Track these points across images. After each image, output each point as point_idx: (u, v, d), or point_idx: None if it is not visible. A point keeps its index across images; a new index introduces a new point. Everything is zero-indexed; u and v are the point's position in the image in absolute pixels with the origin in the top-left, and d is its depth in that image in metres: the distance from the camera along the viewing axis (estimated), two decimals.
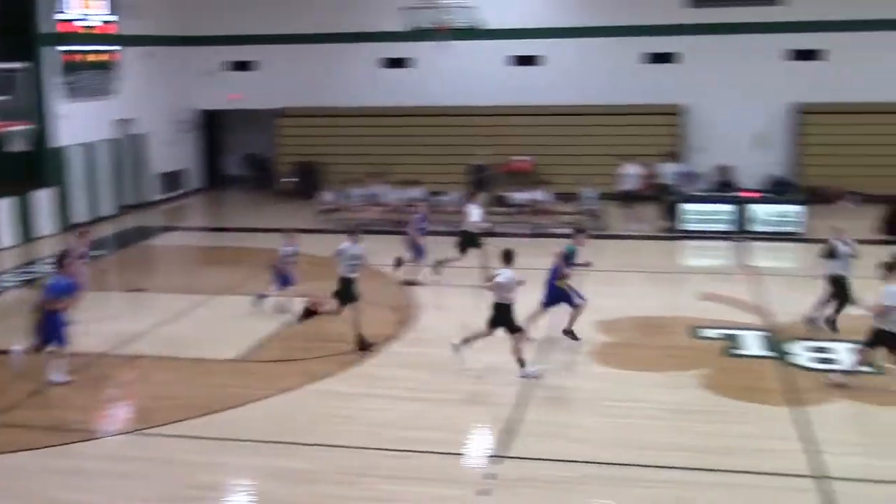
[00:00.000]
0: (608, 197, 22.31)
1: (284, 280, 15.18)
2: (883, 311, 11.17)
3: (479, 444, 10.34)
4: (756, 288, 16.41)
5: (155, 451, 10.03)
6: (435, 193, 23.00)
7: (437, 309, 15.61)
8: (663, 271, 18.56)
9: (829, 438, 9.97)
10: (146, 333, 14.25)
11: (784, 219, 20.91)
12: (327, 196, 23.49)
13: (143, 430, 10.57)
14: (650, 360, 12.67)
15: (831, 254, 13.83)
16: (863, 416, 10.70)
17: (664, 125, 25.71)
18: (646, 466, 9.46)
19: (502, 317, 12.02)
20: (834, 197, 24.41)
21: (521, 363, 12.01)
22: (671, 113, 25.91)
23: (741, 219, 21.07)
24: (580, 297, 13.41)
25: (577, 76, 26.18)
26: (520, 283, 12.06)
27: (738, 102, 25.54)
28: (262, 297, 15.31)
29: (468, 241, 17.32)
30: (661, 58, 26.06)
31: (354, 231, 13.98)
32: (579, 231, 14.15)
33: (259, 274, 16.42)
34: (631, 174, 22.08)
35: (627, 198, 22.18)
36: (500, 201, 22.62)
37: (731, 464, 9.43)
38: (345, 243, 13.48)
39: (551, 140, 25.79)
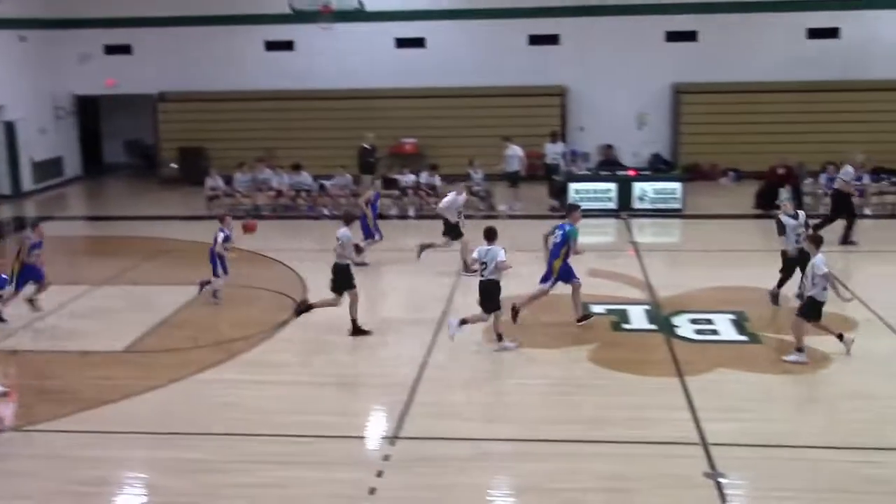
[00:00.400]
0: (494, 178, 22.55)
1: (223, 267, 14.70)
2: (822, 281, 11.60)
3: (373, 426, 10.36)
4: (640, 263, 16.87)
5: (41, 448, 9.72)
6: (322, 177, 22.87)
7: (325, 292, 15.48)
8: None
9: (711, 406, 10.36)
10: (26, 327, 13.75)
11: (665, 196, 21.52)
12: (213, 182, 23.06)
13: (28, 427, 10.22)
14: (540, 338, 12.89)
15: (782, 229, 13.99)
16: (742, 384, 11.13)
17: (548, 106, 26.11)
18: (539, 441, 9.66)
19: (491, 295, 12.32)
20: (711, 174, 25.30)
21: (500, 338, 12.30)
22: (555, 94, 26.33)
23: (624, 197, 21.59)
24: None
25: (461, 58, 26.33)
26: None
27: (619, 83, 26.15)
28: (204, 283, 14.77)
29: (451, 227, 16.65)
30: (545, 39, 26.44)
31: (349, 217, 13.73)
32: (573, 208, 14.10)
33: (139, 264, 16.00)
34: (514, 155, 22.31)
35: (512, 178, 22.42)
36: (389, 183, 22.62)
37: (621, 434, 9.71)
38: (342, 229, 13.23)
39: (438, 122, 25.92)
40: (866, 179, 21.17)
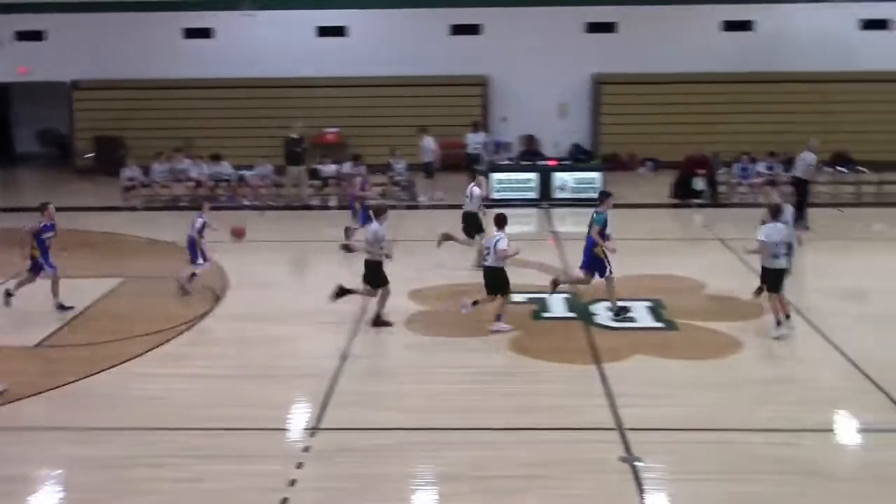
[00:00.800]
0: (416, 168, 22.57)
1: (202, 255, 14.46)
2: (762, 249, 12.31)
3: (294, 418, 10.30)
4: (560, 253, 17.07)
5: None
6: (243, 167, 22.61)
7: (245, 284, 15.32)
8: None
9: (628, 392, 10.55)
10: None
11: (585, 185, 21.79)
12: (130, 172, 22.58)
13: None
14: (462, 327, 12.96)
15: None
16: (658, 370, 11.36)
17: (470, 96, 26.21)
18: (461, 429, 9.72)
19: (497, 281, 12.58)
20: (630, 164, 25.72)
21: (498, 318, 12.65)
22: (477, 84, 26.44)
23: (545, 187, 21.80)
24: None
25: (384, 47, 26.25)
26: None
27: (541, 74, 26.36)
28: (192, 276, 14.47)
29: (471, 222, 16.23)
30: (467, 29, 26.51)
31: (380, 210, 13.40)
32: (605, 195, 13.96)
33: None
34: (427, 147, 22.32)
35: (430, 168, 22.44)
36: (312, 174, 22.49)
37: (541, 421, 9.83)
38: (373, 224, 13.07)
39: (360, 112, 25.81)
40: (778, 169, 21.74)
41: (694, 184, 21.72)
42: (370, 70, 26.12)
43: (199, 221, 14.48)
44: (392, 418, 9.98)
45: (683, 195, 21.82)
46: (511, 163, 23.15)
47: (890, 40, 25.93)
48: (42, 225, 13.78)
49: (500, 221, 12.86)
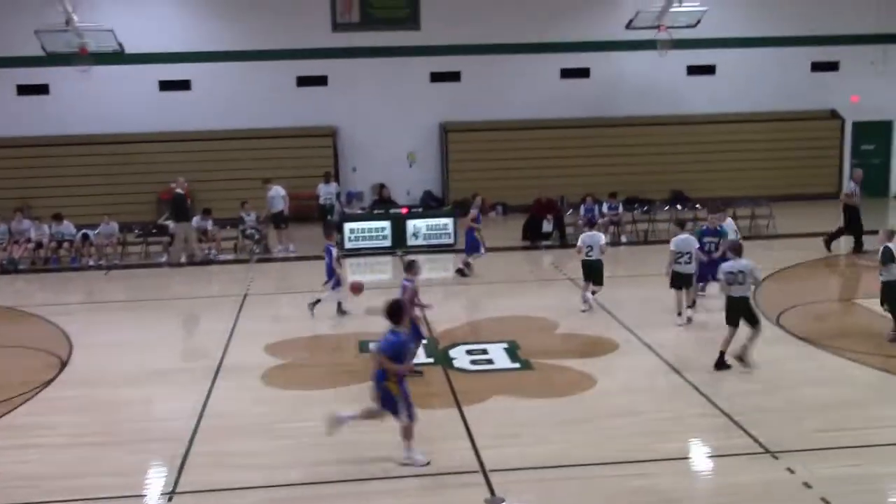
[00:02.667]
0: (266, 220, 22.36)
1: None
2: (672, 257, 14.84)
3: (150, 484, 9.92)
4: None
5: None
6: (86, 226, 21.84)
7: (92, 347, 14.76)
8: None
9: (489, 433, 10.68)
10: None
11: (438, 231, 22.09)
12: None
13: None
14: (321, 379, 12.85)
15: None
16: (517, 409, 11.55)
17: (320, 147, 26.25)
18: (320, 483, 9.59)
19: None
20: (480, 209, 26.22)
21: None
22: (326, 135, 26.51)
23: (399, 234, 21.97)
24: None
25: (230, 100, 26.06)
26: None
27: (389, 123, 26.71)
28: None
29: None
30: (313, 80, 26.59)
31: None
32: (411, 265, 13.71)
33: None
34: (277, 195, 22.14)
35: (277, 220, 22.23)
36: (160, 230, 21.94)
37: (403, 469, 9.81)
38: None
39: (209, 165, 25.42)
40: (620, 209, 22.64)
41: (543, 226, 22.36)
42: (217, 123, 25.86)
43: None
44: (250, 478, 9.75)
45: (533, 237, 22.41)
46: (364, 212, 23.25)
47: (714, 85, 27.54)
48: None
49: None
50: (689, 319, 15.06)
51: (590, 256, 15.86)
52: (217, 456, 10.35)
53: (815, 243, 19.08)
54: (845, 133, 27.86)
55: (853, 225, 20.14)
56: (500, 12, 26.52)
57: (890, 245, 13.75)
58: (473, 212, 19.21)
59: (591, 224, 17.41)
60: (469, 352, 13.82)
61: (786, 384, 12.31)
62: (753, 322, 12.60)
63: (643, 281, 17.80)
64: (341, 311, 16.20)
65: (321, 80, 26.64)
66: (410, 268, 13.25)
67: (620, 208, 22.76)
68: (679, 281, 15.14)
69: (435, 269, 20.86)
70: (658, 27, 22.02)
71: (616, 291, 17.01)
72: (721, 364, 12.66)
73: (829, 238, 20.40)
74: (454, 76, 27.01)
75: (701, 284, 15.84)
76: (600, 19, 26.55)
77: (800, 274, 17.06)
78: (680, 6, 21.72)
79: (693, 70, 27.45)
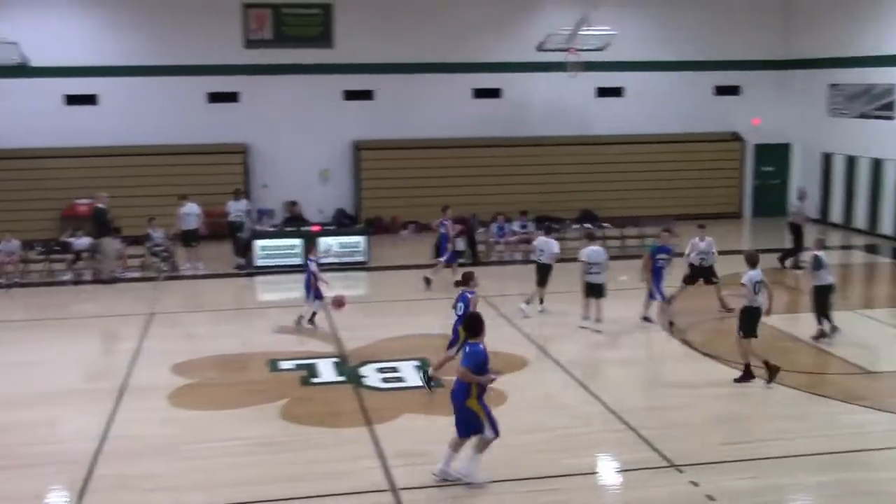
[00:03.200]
0: (176, 237, 21.96)
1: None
2: (584, 268, 15.77)
3: None
4: (328, 317, 17.08)
5: None
6: None
7: None
8: (238, 308, 18.69)
9: (400, 451, 10.68)
10: None
11: (350, 249, 22.01)
12: None
13: None
14: (230, 398, 12.68)
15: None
16: (427, 427, 11.57)
17: (231, 164, 25.92)
18: (248, 503, 9.45)
19: None
20: (393, 227, 26.27)
21: None
22: (237, 151, 26.20)
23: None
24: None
25: (139, 116, 25.54)
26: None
27: (301, 140, 26.52)
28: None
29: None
30: (224, 97, 26.29)
31: (470, 277, 13.37)
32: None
33: None
34: (192, 213, 21.79)
35: (189, 237, 21.83)
36: (64, 247, 21.37)
37: (316, 489, 9.73)
38: (467, 291, 13.09)
39: (116, 182, 24.74)
40: (531, 228, 22.91)
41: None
42: (124, 139, 25.31)
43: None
44: (155, 500, 9.56)
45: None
46: (275, 229, 23.02)
47: (622, 106, 28.16)
48: None
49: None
50: (599, 332, 15.55)
51: (597, 276, 16.02)
52: (121, 479, 10.11)
53: (718, 260, 19.49)
54: (746, 155, 28.75)
55: (797, 241, 21.02)
56: (413, 32, 26.67)
57: (819, 253, 14.98)
58: (448, 223, 19.89)
59: (591, 237, 17.13)
60: (380, 370, 13.80)
61: (690, 399, 12.61)
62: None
63: (553, 298, 18.01)
64: (311, 322, 16.28)
65: (232, 97, 26.35)
66: (469, 279, 13.28)
67: (531, 227, 23.03)
68: (591, 291, 15.85)
69: (347, 287, 20.77)
70: (568, 49, 22.41)
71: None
72: (748, 376, 13.09)
73: (783, 256, 21.20)
74: (367, 94, 27.00)
75: (653, 300, 16.26)
76: (512, 41, 26.90)
77: (703, 291, 17.52)
78: (589, 30, 22.15)
79: (602, 92, 28.00)
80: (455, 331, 12.82)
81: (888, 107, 24.55)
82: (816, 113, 27.46)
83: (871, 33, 24.89)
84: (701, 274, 17.22)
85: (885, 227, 24.64)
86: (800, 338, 15.24)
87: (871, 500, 9.43)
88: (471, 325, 9.94)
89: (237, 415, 12.10)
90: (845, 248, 24.13)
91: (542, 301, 17.18)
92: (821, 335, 14.89)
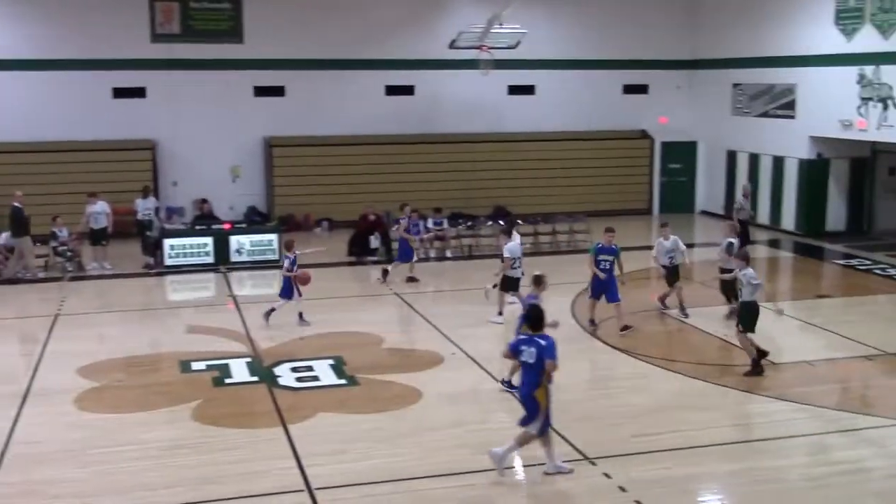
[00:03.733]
0: (83, 236, 21.36)
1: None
2: (508, 264, 15.70)
3: None
4: (240, 316, 16.85)
5: None
6: None
7: None
8: (147, 308, 18.27)
9: (315, 451, 10.59)
10: None
11: (262, 248, 21.73)
12: None
13: None
14: (139, 401, 12.39)
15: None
16: (343, 426, 11.50)
17: (138, 160, 25.33)
18: None
19: None
20: (305, 224, 26.05)
21: None
22: (145, 148, 25.63)
23: (222, 250, 21.46)
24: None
25: (40, 111, 24.76)
26: None
27: (212, 137, 26.08)
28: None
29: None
30: (131, 92, 25.66)
31: (540, 280, 13.06)
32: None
33: None
34: (102, 212, 21.22)
35: (98, 236, 21.24)
36: None
37: (228, 491, 9.58)
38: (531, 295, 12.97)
39: (17, 179, 23.89)
40: (445, 225, 22.98)
41: (371, 242, 22.40)
42: (25, 135, 24.50)
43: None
44: None
45: (359, 253, 22.41)
46: (185, 228, 22.58)
47: (534, 104, 28.44)
48: None
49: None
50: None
51: (515, 271, 16.07)
52: (27, 485, 9.80)
53: (629, 256, 19.82)
54: (655, 152, 29.35)
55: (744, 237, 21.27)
56: (325, 28, 26.46)
57: (732, 239, 15.67)
58: (403, 222, 19.76)
59: (508, 234, 16.90)
60: (294, 369, 13.66)
61: (602, 392, 12.83)
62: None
63: (468, 295, 18.12)
64: (303, 320, 16.16)
65: (139, 92, 25.73)
66: (539, 282, 13.06)
67: (445, 224, 23.10)
68: (511, 285, 15.94)
69: (259, 286, 20.54)
70: (480, 47, 22.53)
71: (441, 306, 17.23)
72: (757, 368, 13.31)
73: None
74: (278, 91, 26.69)
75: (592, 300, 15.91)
76: (425, 38, 26.92)
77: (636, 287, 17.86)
78: (501, 28, 22.29)
79: (514, 90, 28.23)
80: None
81: (789, 106, 25.34)
82: (721, 112, 28.20)
83: (774, 35, 25.65)
84: (673, 272, 16.67)
85: (787, 223, 25.43)
86: (706, 330, 15.61)
87: (777, 487, 9.71)
88: (536, 319, 10.03)
89: (147, 417, 11.84)
90: (750, 243, 24.80)
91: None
92: (732, 312, 15.31)
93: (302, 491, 9.59)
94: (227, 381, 13.28)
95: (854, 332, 14.07)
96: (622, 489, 9.60)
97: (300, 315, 16.21)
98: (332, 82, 26.77)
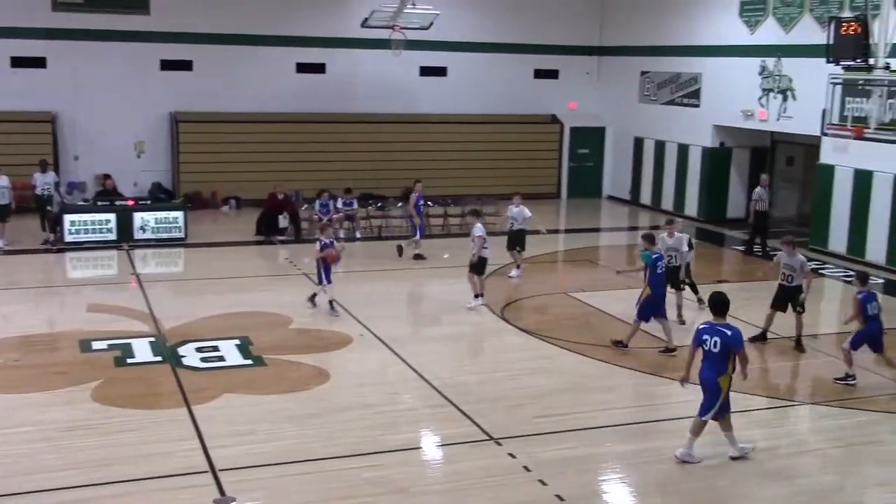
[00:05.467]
0: None
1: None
2: (480, 244, 15.59)
3: None
4: (144, 295, 16.50)
5: None
6: None
7: None
8: (45, 286, 17.74)
9: (220, 432, 10.45)
10: None
11: (167, 225, 21.28)
12: None
13: None
14: (36, 381, 12.03)
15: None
16: (249, 407, 11.38)
17: (37, 133, 24.48)
18: (41, 491, 8.99)
19: None
20: (212, 202, 25.61)
21: None
22: (44, 121, 24.78)
23: (125, 228, 20.94)
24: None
25: None
26: None
27: (116, 111, 25.40)
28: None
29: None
30: (30, 62, 24.78)
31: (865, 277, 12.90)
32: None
33: None
34: (3, 186, 20.42)
35: (3, 212, 20.44)
36: None
37: (128, 472, 9.37)
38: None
39: None
40: (355, 205, 22.86)
41: (279, 221, 22.16)
42: None
43: (319, 244, 15.40)
44: None
45: (267, 232, 22.15)
46: (87, 203, 21.94)
47: (445, 86, 28.47)
48: None
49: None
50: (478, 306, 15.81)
51: (485, 251, 16.00)
52: None
53: (537, 240, 20.10)
54: (564, 137, 29.70)
55: (760, 228, 21.47)
56: (235, 3, 25.96)
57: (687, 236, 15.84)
58: (414, 197, 20.00)
59: (477, 214, 16.89)
60: (199, 349, 13.44)
61: (508, 373, 12.97)
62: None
63: (377, 276, 18.10)
64: (331, 305, 15.57)
65: (39, 62, 24.86)
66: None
67: (355, 204, 22.99)
68: (482, 266, 15.94)
69: (164, 265, 20.15)
70: (392, 27, 22.41)
71: (350, 286, 17.18)
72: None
73: (749, 242, 21.82)
74: (186, 65, 26.09)
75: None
76: (337, 16, 26.65)
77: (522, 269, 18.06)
78: (413, 8, 22.21)
79: (426, 71, 28.20)
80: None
81: (694, 95, 25.94)
82: (629, 99, 28.69)
83: (681, 25, 26.19)
84: (673, 274, 15.13)
85: (690, 210, 26.07)
86: (610, 313, 15.91)
87: (678, 466, 9.98)
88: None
89: (44, 398, 11.50)
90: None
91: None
92: (701, 301, 15.62)
93: (206, 472, 9.46)
94: (130, 361, 12.98)
95: (750, 315, 14.50)
96: (526, 469, 9.74)
97: (331, 303, 15.54)
98: (242, 58, 26.32)
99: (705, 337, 9.91)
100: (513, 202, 18.31)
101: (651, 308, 13.69)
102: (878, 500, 9.57)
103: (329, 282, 15.46)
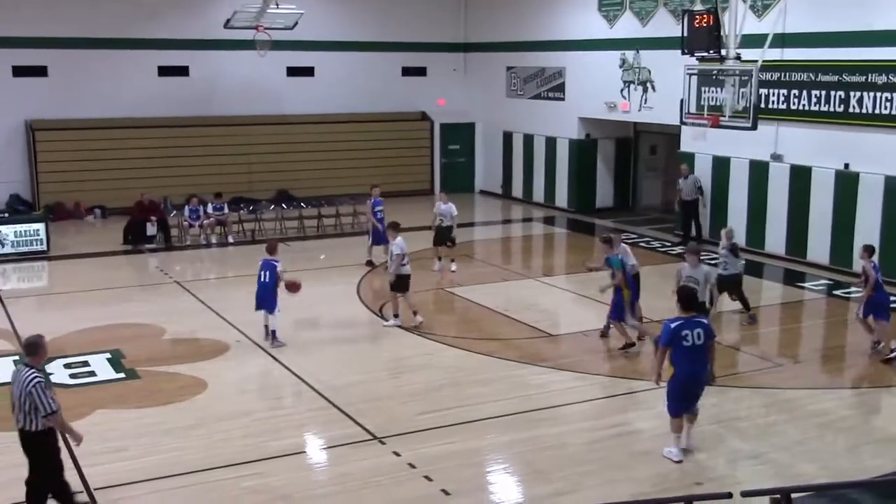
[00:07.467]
0: None
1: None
2: (399, 261, 14.57)
3: None
4: (5, 312, 15.77)
5: None
6: None
7: None
8: None
9: (94, 450, 10.08)
10: None
11: (28, 238, 20.41)
12: None
13: None
14: None
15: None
16: (123, 422, 11.04)
17: None
18: None
19: None
20: (76, 212, 24.70)
21: None
22: None
23: None
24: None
25: None
26: None
27: None
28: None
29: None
30: None
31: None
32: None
33: None
34: None
35: None
36: None
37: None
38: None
39: None
40: (226, 210, 22.43)
41: (147, 229, 21.54)
42: None
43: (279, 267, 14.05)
44: None
45: (136, 241, 21.51)
46: None
47: (313, 86, 28.23)
48: None
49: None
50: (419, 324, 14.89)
51: (404, 268, 14.89)
52: None
53: (415, 236, 20.15)
54: (435, 134, 29.88)
55: (689, 216, 21.65)
56: (91, 5, 25.06)
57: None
58: (369, 203, 19.50)
59: (395, 227, 15.36)
60: (68, 365, 12.96)
61: (389, 372, 12.98)
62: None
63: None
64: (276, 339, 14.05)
65: None
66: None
67: (226, 209, 22.55)
68: (404, 284, 14.85)
69: (27, 279, 19.32)
70: (256, 28, 22.05)
71: (225, 292, 16.85)
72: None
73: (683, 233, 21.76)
74: (41, 71, 25.05)
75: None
76: (199, 17, 26.06)
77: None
78: (277, 8, 21.90)
79: (292, 71, 27.89)
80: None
81: (559, 88, 26.48)
82: (497, 94, 29.07)
83: (543, 20, 26.68)
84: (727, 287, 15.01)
85: (560, 201, 26.61)
86: (487, 306, 16.10)
87: (559, 453, 10.18)
88: (688, 299, 9.95)
89: None
90: (526, 220, 25.85)
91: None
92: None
93: (80, 492, 9.12)
94: None
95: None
96: (411, 466, 9.77)
97: (273, 333, 14.12)
98: (101, 62, 25.46)
99: (685, 332, 9.50)
100: (440, 199, 18.81)
101: (623, 310, 13.48)
102: (748, 472, 9.98)
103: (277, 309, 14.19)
